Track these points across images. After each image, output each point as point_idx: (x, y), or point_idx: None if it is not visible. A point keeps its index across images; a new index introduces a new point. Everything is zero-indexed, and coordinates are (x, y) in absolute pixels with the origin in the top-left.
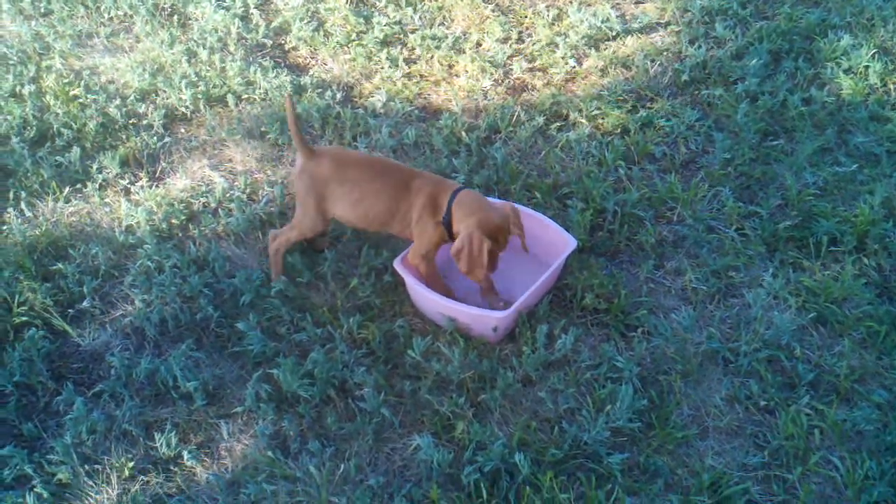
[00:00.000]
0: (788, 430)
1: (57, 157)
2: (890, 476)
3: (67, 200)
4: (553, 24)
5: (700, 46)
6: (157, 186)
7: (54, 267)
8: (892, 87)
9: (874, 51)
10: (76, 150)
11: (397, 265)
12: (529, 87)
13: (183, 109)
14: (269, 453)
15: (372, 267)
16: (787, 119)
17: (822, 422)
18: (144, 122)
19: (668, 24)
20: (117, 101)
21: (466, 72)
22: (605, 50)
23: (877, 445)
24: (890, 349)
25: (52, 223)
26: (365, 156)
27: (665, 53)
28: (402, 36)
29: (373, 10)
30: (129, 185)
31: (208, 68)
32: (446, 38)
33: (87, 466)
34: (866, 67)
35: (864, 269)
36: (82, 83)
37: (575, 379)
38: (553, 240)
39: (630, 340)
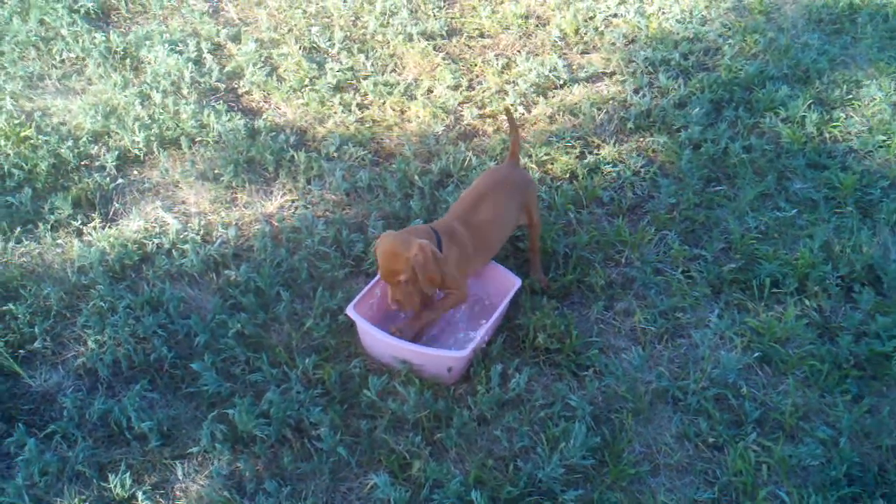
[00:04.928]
0: (737, 467)
1: (7, 198)
2: None
3: (18, 241)
4: (502, 72)
5: (644, 95)
6: (109, 227)
7: (5, 307)
8: (827, 135)
9: (810, 101)
10: (27, 191)
11: (350, 311)
12: (480, 132)
13: (136, 151)
14: (226, 493)
15: (327, 308)
16: (729, 166)
17: (769, 458)
18: (97, 163)
19: (613, 73)
20: (69, 143)
21: (418, 117)
22: (552, 98)
23: (822, 480)
24: (832, 387)
25: (2, 263)
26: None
27: (611, 102)
28: (354, 82)
29: (325, 56)
30: (81, 226)
31: (161, 111)
32: (398, 84)
33: None
34: (803, 117)
35: (805, 310)
36: (33, 124)
37: (529, 417)
38: (499, 281)
39: (582, 379)
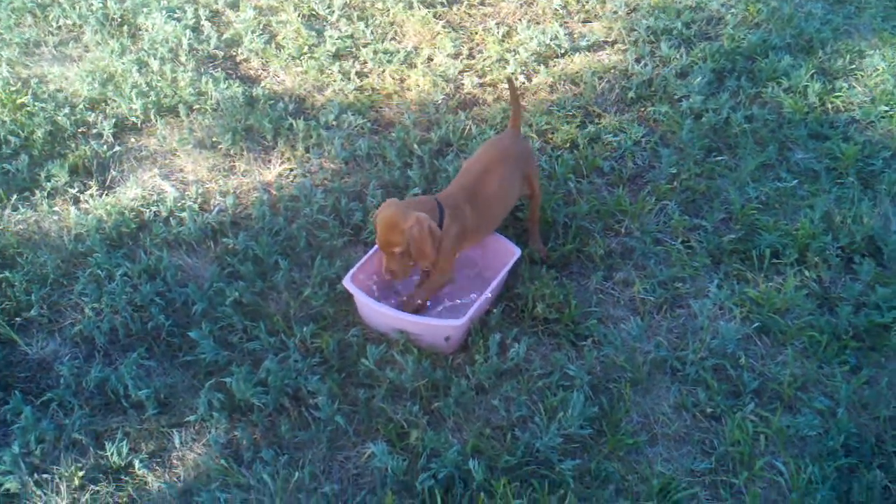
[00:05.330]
0: (734, 437)
1: (4, 165)
2: (832, 481)
3: (15, 208)
4: (503, 40)
5: (646, 65)
6: (107, 195)
7: (1, 275)
8: (830, 106)
9: (813, 71)
10: (24, 158)
11: (347, 283)
12: (480, 101)
13: (133, 119)
14: (223, 462)
15: (325, 277)
16: (731, 136)
17: (766, 428)
18: (94, 130)
19: (614, 42)
20: (66, 110)
21: (418, 86)
22: (553, 67)
23: (819, 451)
24: (830, 358)
25: None
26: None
27: (612, 71)
28: (354, 50)
29: (325, 23)
30: (78, 194)
31: (159, 78)
32: (398, 52)
33: (35, 476)
34: (805, 87)
35: (805, 280)
36: (30, 91)
37: (527, 387)
38: (498, 250)
39: (581, 349)
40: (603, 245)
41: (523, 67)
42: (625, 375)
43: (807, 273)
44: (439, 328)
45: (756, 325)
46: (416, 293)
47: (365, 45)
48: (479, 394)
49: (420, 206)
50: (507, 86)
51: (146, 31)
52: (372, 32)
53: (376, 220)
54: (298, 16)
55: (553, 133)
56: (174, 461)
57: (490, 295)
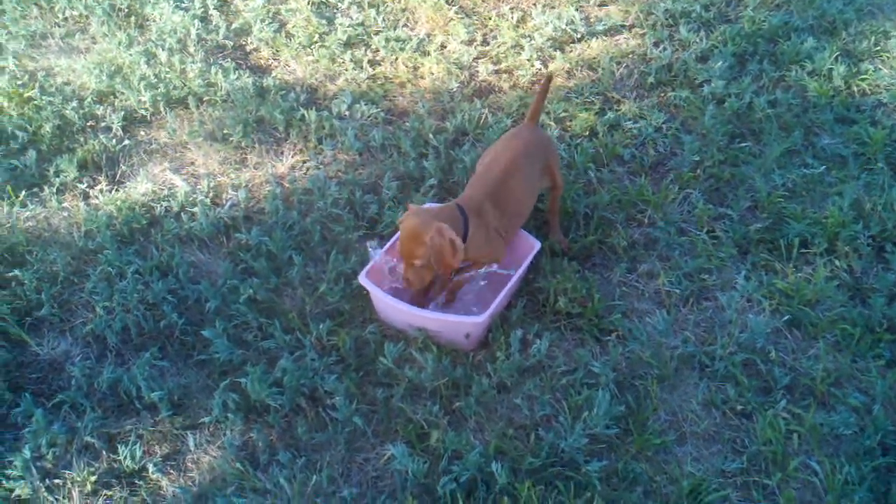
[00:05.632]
0: (766, 435)
1: (12, 161)
2: (870, 481)
3: (24, 205)
4: (518, 26)
5: (665, 49)
6: (116, 190)
7: (11, 274)
8: (855, 89)
9: (837, 53)
10: (32, 153)
11: (362, 279)
12: (496, 89)
13: (142, 112)
14: (238, 465)
15: (341, 272)
16: (754, 121)
17: (799, 426)
18: (103, 124)
19: (632, 26)
20: (74, 103)
21: (432, 73)
22: (570, 52)
23: (855, 450)
24: (864, 352)
25: (7, 228)
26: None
27: (630, 56)
28: (365, 37)
29: (335, 11)
30: (87, 189)
31: (168, 70)
32: (410, 39)
33: (47, 481)
34: (830, 70)
35: (835, 271)
36: (37, 85)
37: (550, 385)
38: (518, 243)
39: (605, 345)
40: (625, 236)
41: (539, 53)
42: (651, 372)
43: (837, 263)
44: (459, 324)
45: (786, 317)
46: (463, 274)
47: (377, 33)
48: (500, 392)
49: (442, 214)
50: (543, 83)
51: (153, 21)
52: (383, 19)
53: (400, 228)
54: (308, 3)
55: (571, 121)
56: (189, 464)
57: (511, 289)
